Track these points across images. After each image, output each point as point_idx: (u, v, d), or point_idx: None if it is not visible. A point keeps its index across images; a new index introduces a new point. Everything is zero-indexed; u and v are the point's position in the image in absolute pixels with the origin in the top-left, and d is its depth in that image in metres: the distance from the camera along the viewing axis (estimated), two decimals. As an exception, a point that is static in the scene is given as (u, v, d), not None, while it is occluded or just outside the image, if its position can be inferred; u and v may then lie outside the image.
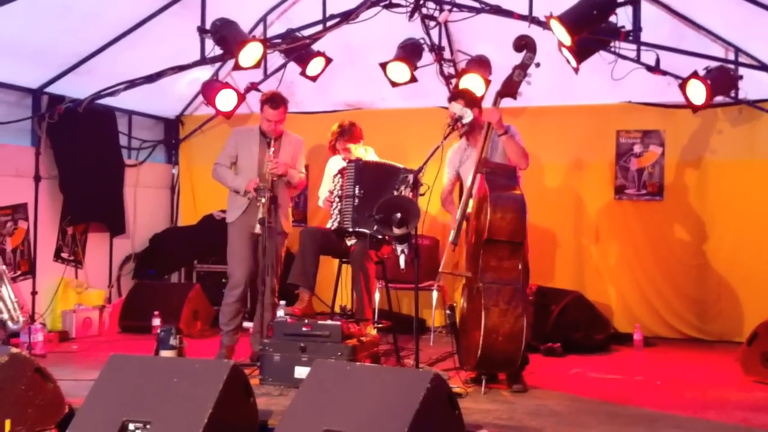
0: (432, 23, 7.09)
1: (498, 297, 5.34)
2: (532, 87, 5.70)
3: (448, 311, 5.54)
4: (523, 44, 5.60)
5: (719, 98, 7.09)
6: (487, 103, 6.30)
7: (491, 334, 5.26)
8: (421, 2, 6.72)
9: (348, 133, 6.76)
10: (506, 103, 6.41)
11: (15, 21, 6.30)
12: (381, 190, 6.03)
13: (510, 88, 5.63)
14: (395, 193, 5.69)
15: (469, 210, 5.71)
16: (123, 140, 8.89)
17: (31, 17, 6.36)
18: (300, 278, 6.25)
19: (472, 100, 5.88)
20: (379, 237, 5.98)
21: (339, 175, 6.34)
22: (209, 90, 7.31)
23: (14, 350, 3.78)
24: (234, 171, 6.47)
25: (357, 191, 6.15)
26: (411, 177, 5.52)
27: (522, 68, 5.58)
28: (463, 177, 6.10)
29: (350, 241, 6.32)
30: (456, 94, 5.98)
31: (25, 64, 7.29)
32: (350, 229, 6.16)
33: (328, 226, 6.37)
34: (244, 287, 6.41)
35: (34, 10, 6.12)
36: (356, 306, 6.25)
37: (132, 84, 7.04)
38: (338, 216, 6.24)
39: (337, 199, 6.28)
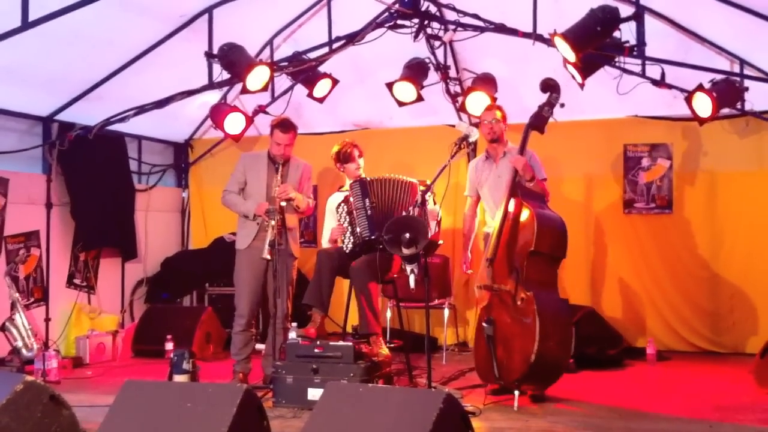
0: (437, 43, 7.12)
1: (547, 304, 5.50)
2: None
3: (485, 324, 5.59)
4: (550, 86, 6.01)
5: (725, 110, 7.07)
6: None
7: (545, 340, 5.39)
8: (426, 23, 6.75)
9: (345, 157, 6.64)
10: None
11: (26, 50, 6.36)
12: (391, 203, 6.08)
13: (539, 122, 6.02)
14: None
15: (494, 228, 5.86)
16: (133, 165, 8.94)
17: (41, 46, 6.42)
18: (315, 299, 6.24)
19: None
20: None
21: (343, 204, 6.35)
22: (217, 114, 7.34)
23: (29, 378, 3.78)
24: (243, 197, 6.48)
25: (367, 203, 6.18)
26: (419, 196, 5.52)
27: (550, 106, 5.99)
28: (483, 196, 6.42)
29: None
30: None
31: (36, 92, 7.38)
32: (369, 237, 6.11)
33: (340, 245, 6.38)
34: (249, 317, 6.41)
35: (44, 38, 6.17)
36: (359, 322, 6.20)
37: (142, 110, 7.08)
38: (351, 237, 6.25)
39: (346, 224, 6.28)
